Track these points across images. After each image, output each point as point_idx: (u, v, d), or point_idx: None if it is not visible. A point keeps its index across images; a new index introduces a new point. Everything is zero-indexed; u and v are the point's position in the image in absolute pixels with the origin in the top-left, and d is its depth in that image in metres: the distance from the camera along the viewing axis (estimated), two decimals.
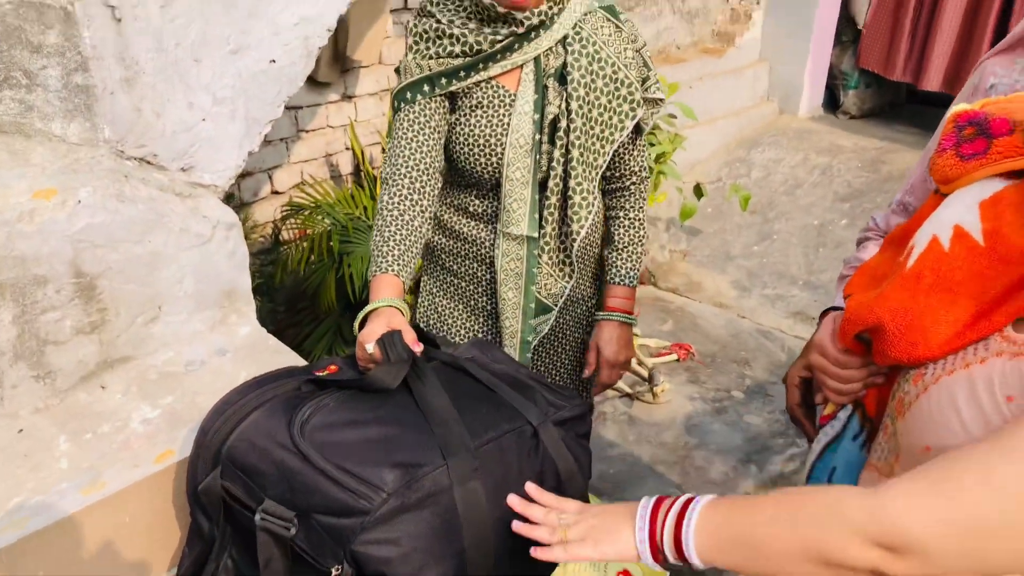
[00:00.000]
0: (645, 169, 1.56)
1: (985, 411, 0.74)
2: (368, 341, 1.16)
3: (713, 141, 4.50)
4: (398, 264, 1.32)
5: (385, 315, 1.21)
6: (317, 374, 1.18)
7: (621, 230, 1.58)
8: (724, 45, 4.59)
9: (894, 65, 4.64)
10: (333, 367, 1.22)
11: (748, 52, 4.70)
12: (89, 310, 1.33)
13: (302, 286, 2.73)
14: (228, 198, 2.72)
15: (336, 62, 2.98)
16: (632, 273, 1.58)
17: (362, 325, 1.23)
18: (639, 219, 1.58)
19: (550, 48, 1.39)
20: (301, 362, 1.45)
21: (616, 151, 1.49)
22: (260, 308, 2.47)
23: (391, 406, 1.03)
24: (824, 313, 1.26)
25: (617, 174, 1.54)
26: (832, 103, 5.00)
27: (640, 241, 1.58)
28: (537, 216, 1.46)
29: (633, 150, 1.52)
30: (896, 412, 0.86)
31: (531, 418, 1.05)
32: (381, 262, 1.33)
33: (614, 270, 1.57)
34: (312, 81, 2.97)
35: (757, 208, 4.14)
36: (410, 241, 1.36)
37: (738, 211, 4.02)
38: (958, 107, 0.88)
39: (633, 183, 1.56)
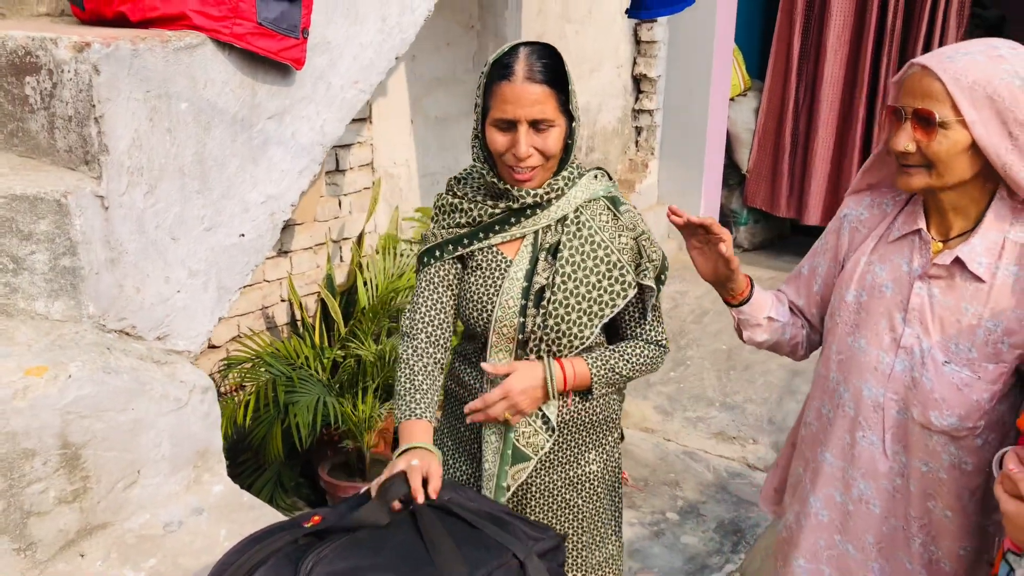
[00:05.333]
0: (661, 342, 1.62)
1: None
2: (416, 486, 1.31)
3: None
4: (428, 410, 1.51)
5: (417, 455, 1.37)
6: (304, 525, 1.26)
7: (631, 347, 1.59)
8: (626, 191, 5.03)
9: (779, 203, 5.18)
10: (317, 518, 1.31)
11: (648, 196, 5.15)
12: (73, 479, 1.38)
13: (247, 438, 2.76)
14: None
15: None
16: (603, 370, 1.55)
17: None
18: (643, 363, 1.59)
19: (549, 226, 1.54)
20: (277, 515, 1.52)
21: (624, 326, 1.61)
22: None
23: (388, 551, 1.13)
24: None
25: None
26: None
27: (637, 366, 1.58)
28: None
29: (644, 325, 1.61)
30: None
31: (517, 552, 1.16)
32: (412, 408, 1.51)
33: (596, 355, 1.57)
34: None
35: (670, 337, 4.42)
36: (433, 390, 1.56)
37: None
38: None
39: (647, 343, 1.62)
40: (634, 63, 5.03)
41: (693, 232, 1.48)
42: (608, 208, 1.58)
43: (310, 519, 1.31)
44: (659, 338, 1.63)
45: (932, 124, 1.26)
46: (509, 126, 1.46)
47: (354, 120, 3.48)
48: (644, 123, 5.13)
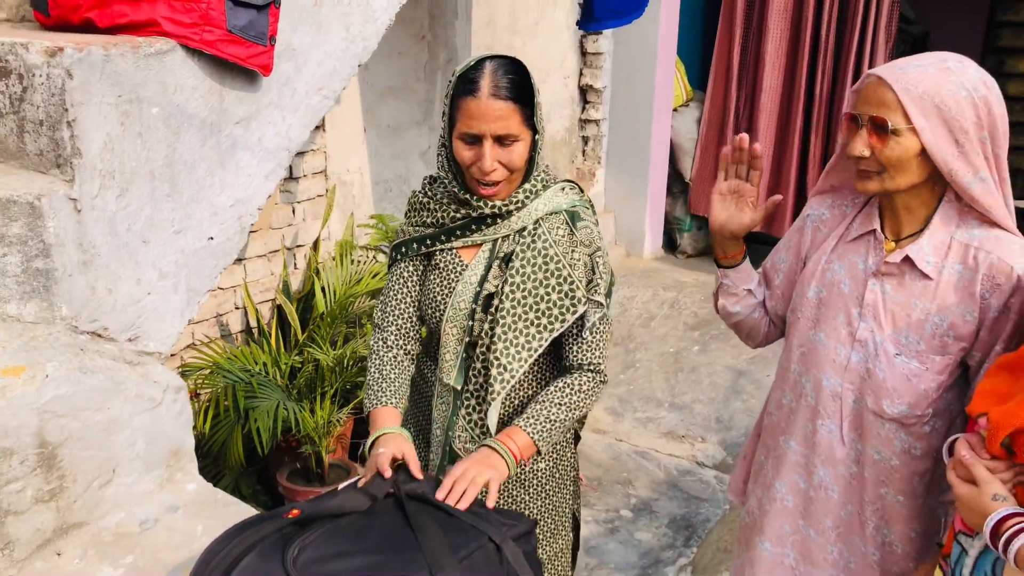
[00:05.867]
0: (596, 365, 1.58)
1: None
2: (382, 461, 1.38)
3: None
4: (394, 397, 1.59)
5: (395, 441, 1.42)
6: (285, 517, 1.30)
7: (560, 389, 1.56)
8: None
9: None
10: (295, 511, 1.35)
11: (595, 204, 5.27)
12: (49, 478, 1.39)
13: (204, 445, 2.75)
14: None
15: None
16: (541, 425, 1.51)
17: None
18: (579, 401, 1.56)
19: (508, 235, 1.57)
20: (252, 511, 1.55)
21: (564, 342, 1.59)
22: None
23: (372, 537, 1.18)
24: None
25: (567, 364, 1.61)
26: (671, 245, 5.63)
27: (574, 405, 1.55)
28: (464, 373, 1.61)
29: (581, 343, 1.58)
30: None
31: (493, 535, 1.22)
32: (380, 396, 1.58)
33: (528, 414, 1.52)
34: None
35: (619, 340, 4.54)
36: (401, 378, 1.63)
37: None
38: None
39: (580, 373, 1.58)
40: (580, 74, 5.16)
41: (737, 170, 1.58)
42: (566, 223, 1.58)
43: (288, 512, 1.35)
44: (595, 361, 1.58)
45: (885, 131, 1.35)
46: (475, 140, 1.48)
47: None
48: (591, 132, 5.26)
